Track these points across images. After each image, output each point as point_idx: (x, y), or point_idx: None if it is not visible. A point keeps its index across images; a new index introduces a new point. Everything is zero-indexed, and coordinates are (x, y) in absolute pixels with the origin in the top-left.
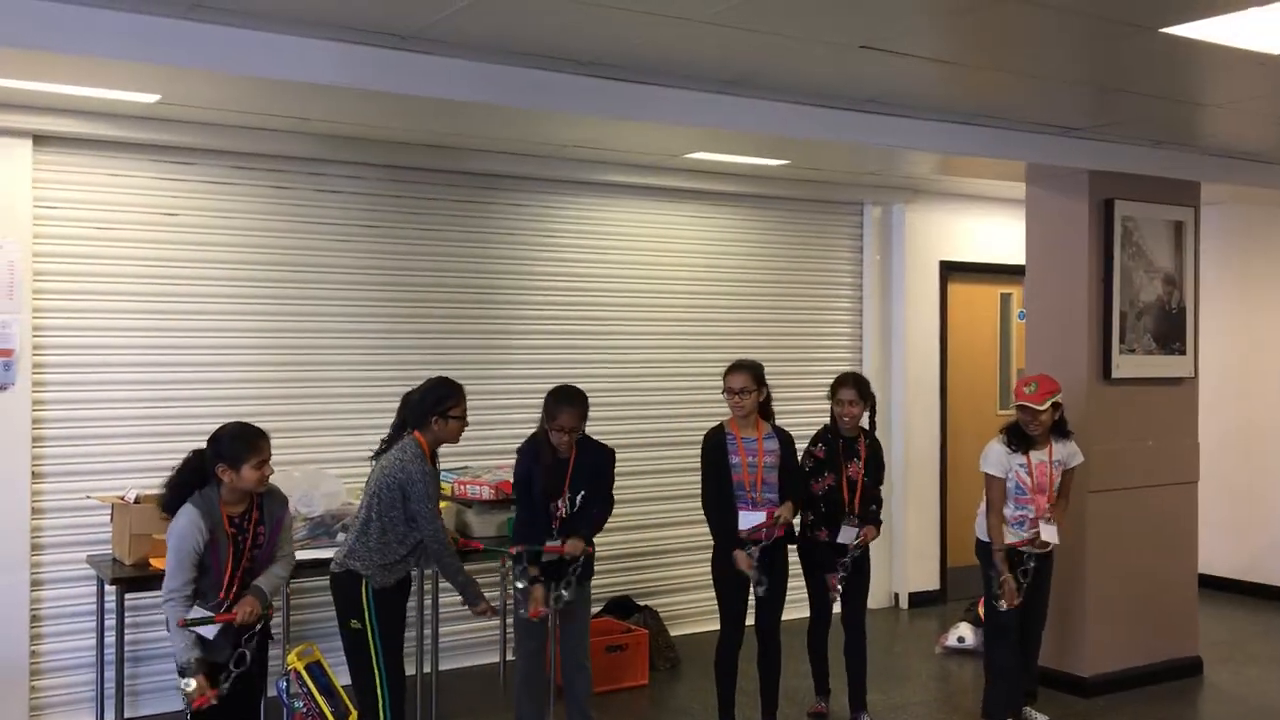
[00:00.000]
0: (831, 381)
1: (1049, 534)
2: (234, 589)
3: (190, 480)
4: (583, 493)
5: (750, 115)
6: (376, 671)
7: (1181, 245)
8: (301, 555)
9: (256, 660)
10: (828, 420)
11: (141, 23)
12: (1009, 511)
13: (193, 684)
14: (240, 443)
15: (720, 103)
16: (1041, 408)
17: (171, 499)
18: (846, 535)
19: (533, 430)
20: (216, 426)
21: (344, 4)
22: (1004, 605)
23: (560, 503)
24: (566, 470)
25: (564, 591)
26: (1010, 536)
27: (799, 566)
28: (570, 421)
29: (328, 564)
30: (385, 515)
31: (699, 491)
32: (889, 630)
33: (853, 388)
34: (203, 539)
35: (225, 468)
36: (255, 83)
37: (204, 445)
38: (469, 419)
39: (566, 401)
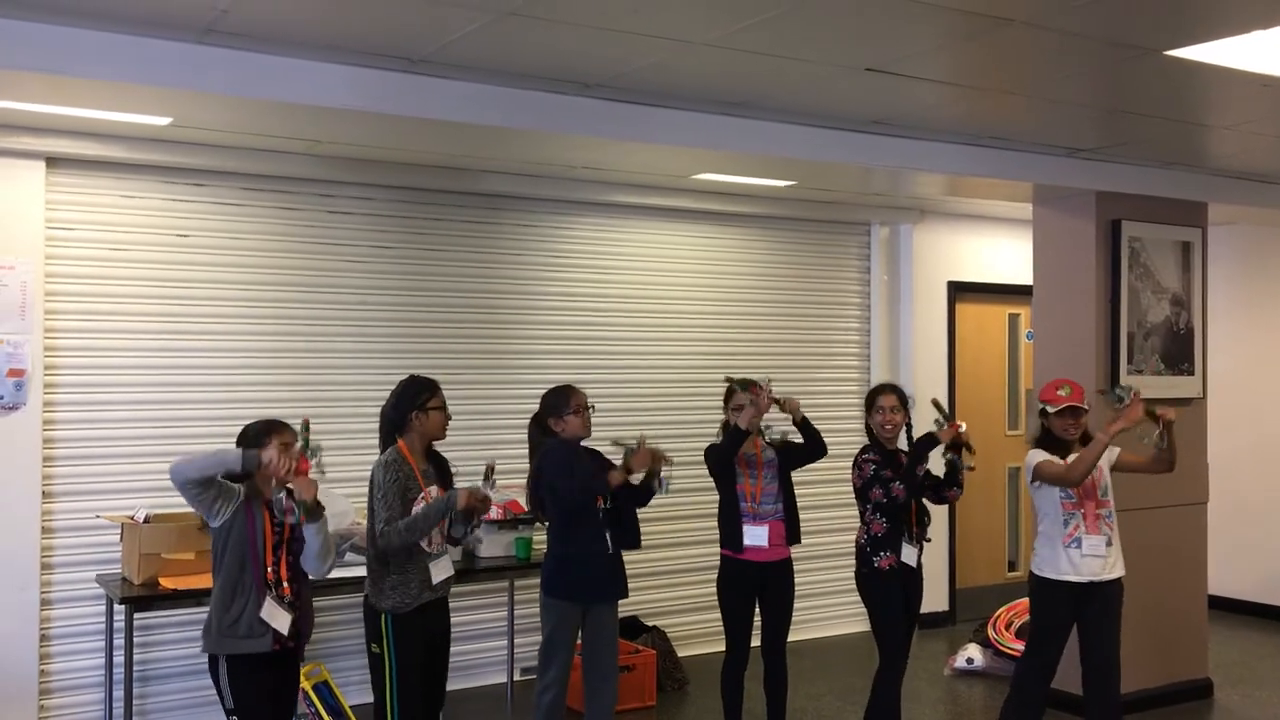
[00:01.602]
0: (867, 394)
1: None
2: (279, 571)
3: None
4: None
5: (756, 137)
6: (389, 700)
7: (1189, 266)
8: None
9: (291, 679)
10: (865, 440)
11: (154, 47)
12: (1060, 532)
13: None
14: (260, 428)
15: (726, 124)
16: (1086, 406)
17: None
18: (909, 555)
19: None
20: (225, 446)
21: (353, 28)
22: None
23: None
24: (599, 461)
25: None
26: (1067, 570)
27: (800, 589)
28: (584, 398)
29: (335, 584)
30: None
31: (706, 512)
32: None
33: (893, 393)
34: (237, 499)
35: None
36: (266, 106)
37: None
38: (459, 439)
39: (569, 387)
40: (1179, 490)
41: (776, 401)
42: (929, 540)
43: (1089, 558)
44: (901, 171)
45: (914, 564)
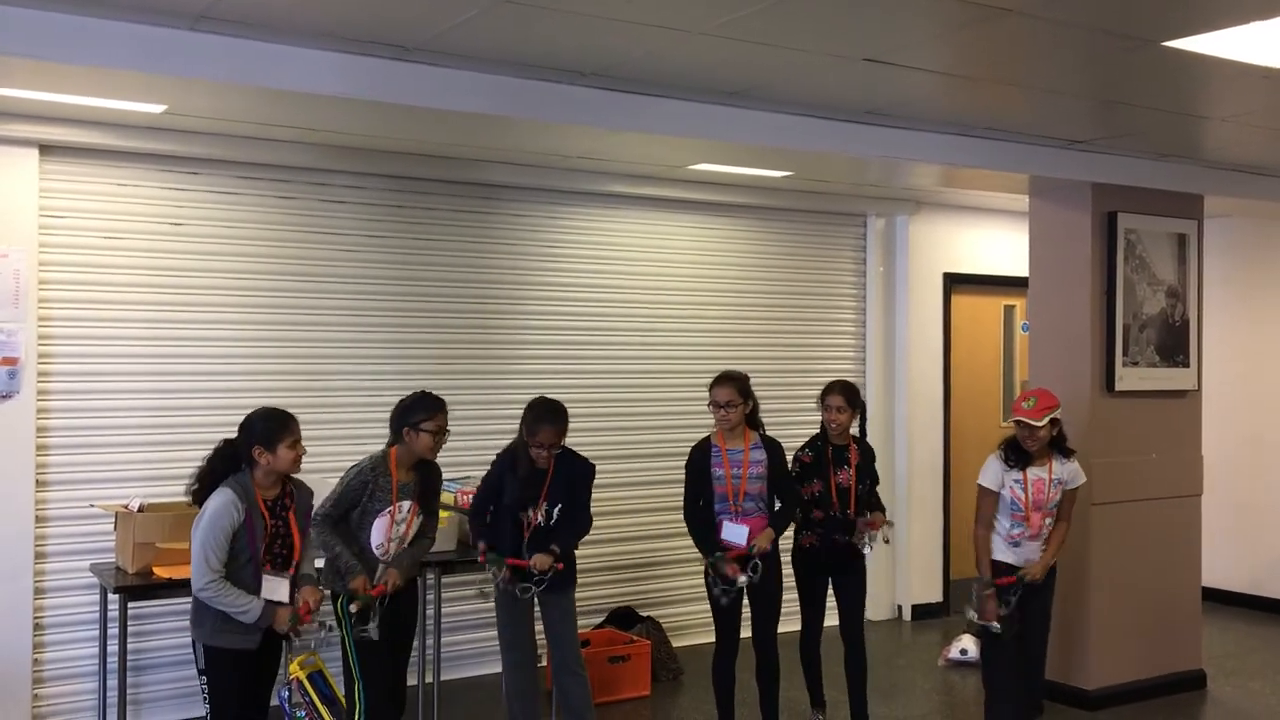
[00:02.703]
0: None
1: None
2: (290, 557)
3: (222, 468)
4: (560, 505)
5: (753, 127)
6: (355, 677)
7: (1184, 258)
8: None
9: (270, 660)
10: (818, 429)
11: (148, 34)
12: (1005, 530)
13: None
14: (274, 423)
15: (723, 114)
16: (1039, 423)
17: (202, 490)
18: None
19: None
20: (220, 435)
21: (348, 16)
22: (977, 619)
23: (535, 513)
24: (544, 481)
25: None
26: (1008, 556)
27: (789, 580)
28: (550, 438)
29: None
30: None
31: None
32: (891, 642)
33: (839, 394)
34: (238, 518)
35: (260, 449)
36: (260, 93)
37: (233, 435)
38: (452, 429)
39: (548, 419)
40: (1173, 483)
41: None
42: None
43: (1025, 555)
44: (898, 162)
45: (865, 551)
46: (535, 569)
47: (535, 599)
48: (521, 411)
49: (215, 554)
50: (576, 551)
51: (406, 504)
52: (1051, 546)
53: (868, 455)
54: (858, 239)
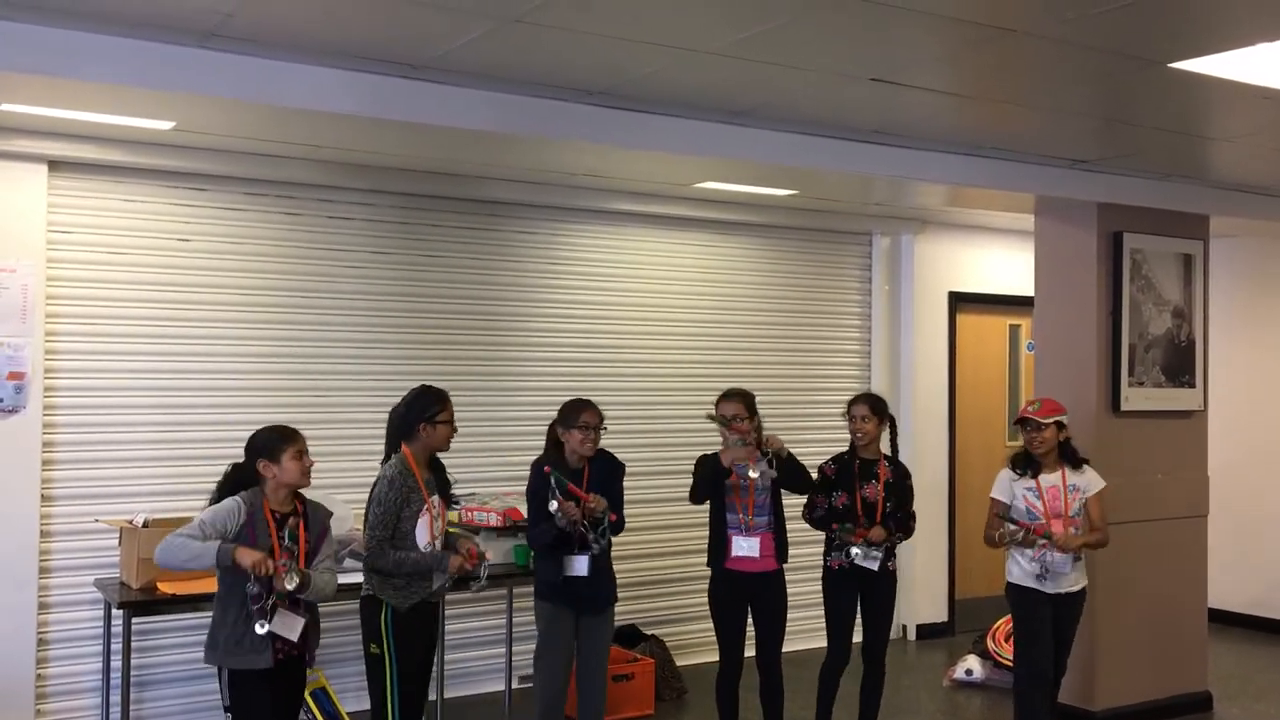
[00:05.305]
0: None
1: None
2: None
3: (232, 491)
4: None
5: (758, 145)
6: (389, 700)
7: (1190, 278)
8: None
9: (295, 688)
10: (846, 445)
11: (158, 51)
12: (1027, 551)
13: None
14: (275, 435)
15: (729, 133)
16: (1044, 421)
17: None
18: (862, 557)
19: (538, 454)
20: (226, 451)
21: (357, 34)
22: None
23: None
24: (582, 482)
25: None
26: (1027, 579)
27: (794, 599)
28: (594, 418)
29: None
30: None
31: (704, 520)
32: (896, 662)
33: (865, 404)
34: (238, 519)
35: (266, 463)
36: (268, 110)
37: (239, 457)
38: (458, 446)
39: (586, 404)
40: (1179, 503)
41: (759, 441)
42: (896, 541)
43: (1055, 573)
44: (903, 181)
45: (874, 568)
46: (595, 508)
47: (578, 618)
48: (527, 429)
49: (204, 528)
50: None
51: (436, 498)
52: (1088, 536)
53: (899, 473)
54: (863, 258)
